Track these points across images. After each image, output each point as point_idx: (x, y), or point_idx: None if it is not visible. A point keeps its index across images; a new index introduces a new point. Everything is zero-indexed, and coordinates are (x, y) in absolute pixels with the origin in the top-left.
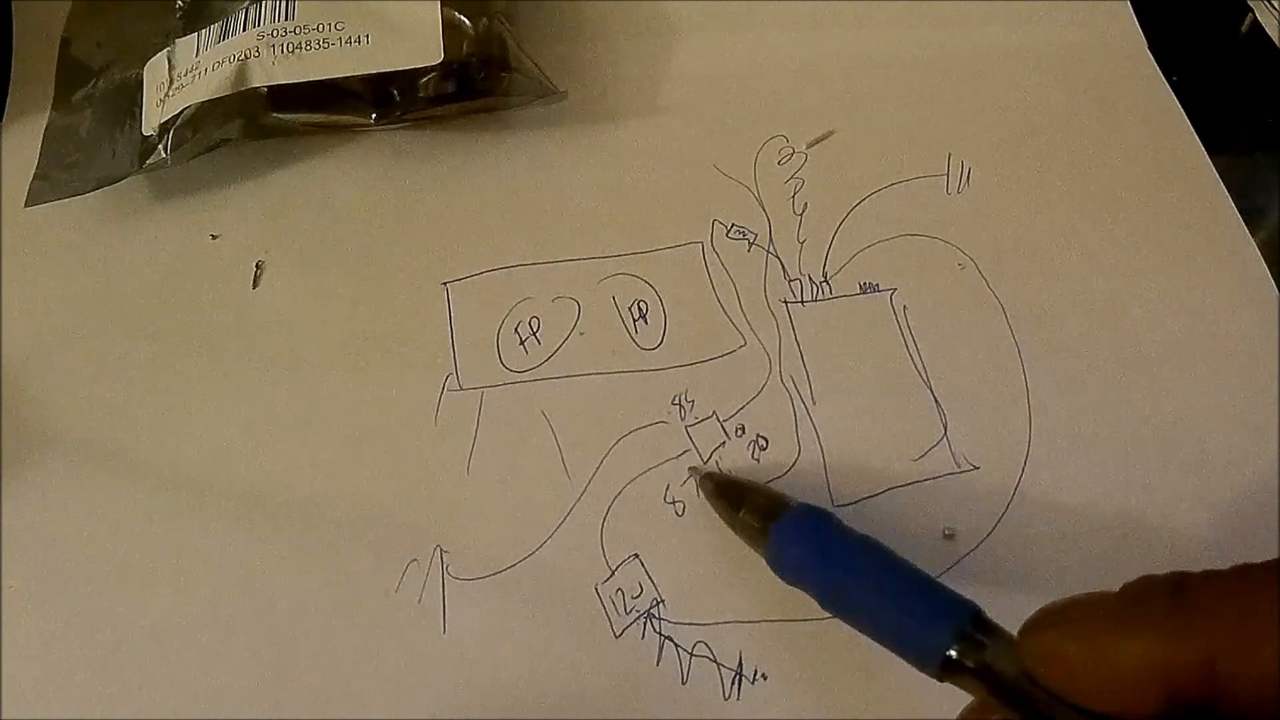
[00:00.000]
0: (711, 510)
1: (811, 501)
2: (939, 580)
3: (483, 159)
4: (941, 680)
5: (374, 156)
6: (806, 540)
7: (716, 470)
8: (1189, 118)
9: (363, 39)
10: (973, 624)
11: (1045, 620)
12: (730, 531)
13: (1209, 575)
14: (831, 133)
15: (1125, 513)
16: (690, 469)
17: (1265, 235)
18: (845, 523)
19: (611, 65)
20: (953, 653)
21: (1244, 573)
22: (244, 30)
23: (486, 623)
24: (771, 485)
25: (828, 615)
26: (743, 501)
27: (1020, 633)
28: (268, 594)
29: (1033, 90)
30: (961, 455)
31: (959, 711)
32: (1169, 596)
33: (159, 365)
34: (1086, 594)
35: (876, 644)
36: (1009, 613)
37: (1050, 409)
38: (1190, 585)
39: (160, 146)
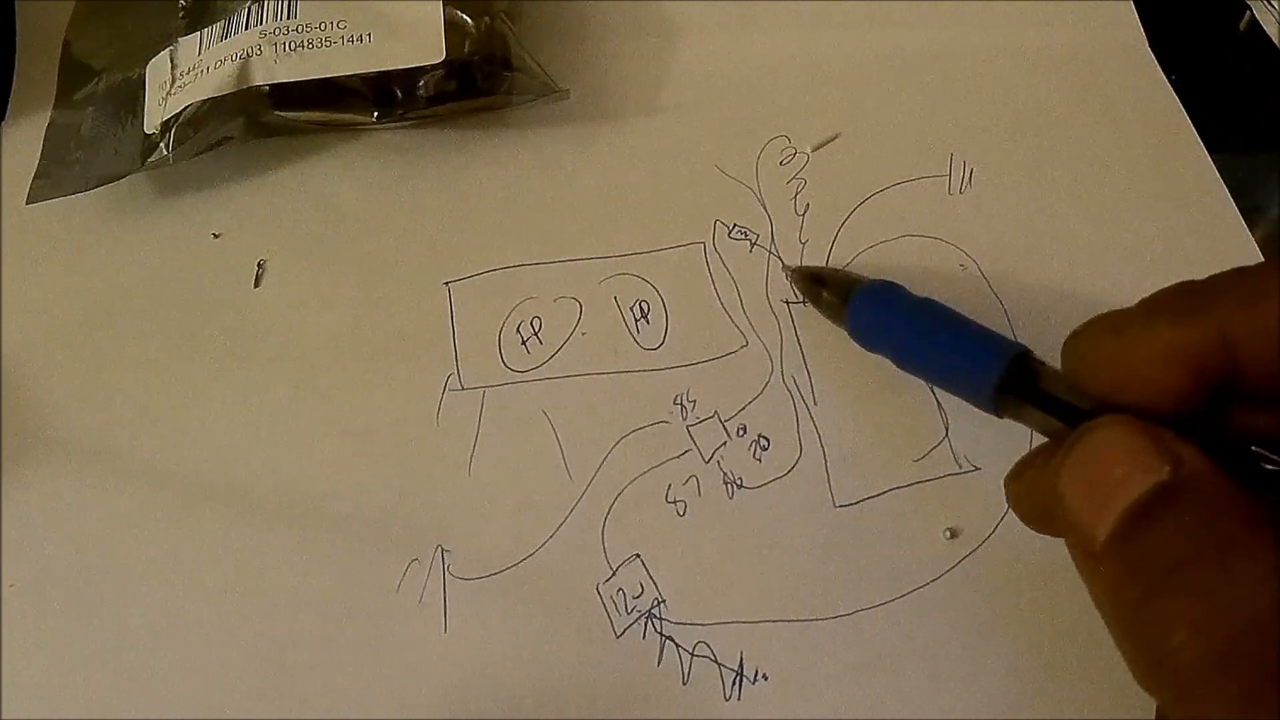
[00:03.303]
0: (711, 509)
1: (812, 501)
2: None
3: (484, 158)
4: (1000, 415)
5: (376, 155)
6: (877, 309)
7: (802, 265)
8: (1188, 116)
9: (364, 38)
10: (1021, 359)
11: (1080, 329)
12: (731, 530)
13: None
14: (836, 136)
15: None
16: (784, 268)
17: (1264, 233)
18: (910, 291)
19: (613, 65)
20: (1004, 383)
21: (1246, 267)
22: (246, 29)
23: (487, 623)
24: (776, 482)
25: (827, 616)
26: (824, 284)
27: (1063, 346)
28: (268, 594)
29: (1034, 90)
30: (963, 456)
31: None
32: (1181, 290)
33: (159, 365)
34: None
35: (876, 638)
36: (1011, 614)
37: None
38: (1201, 281)
39: (162, 144)
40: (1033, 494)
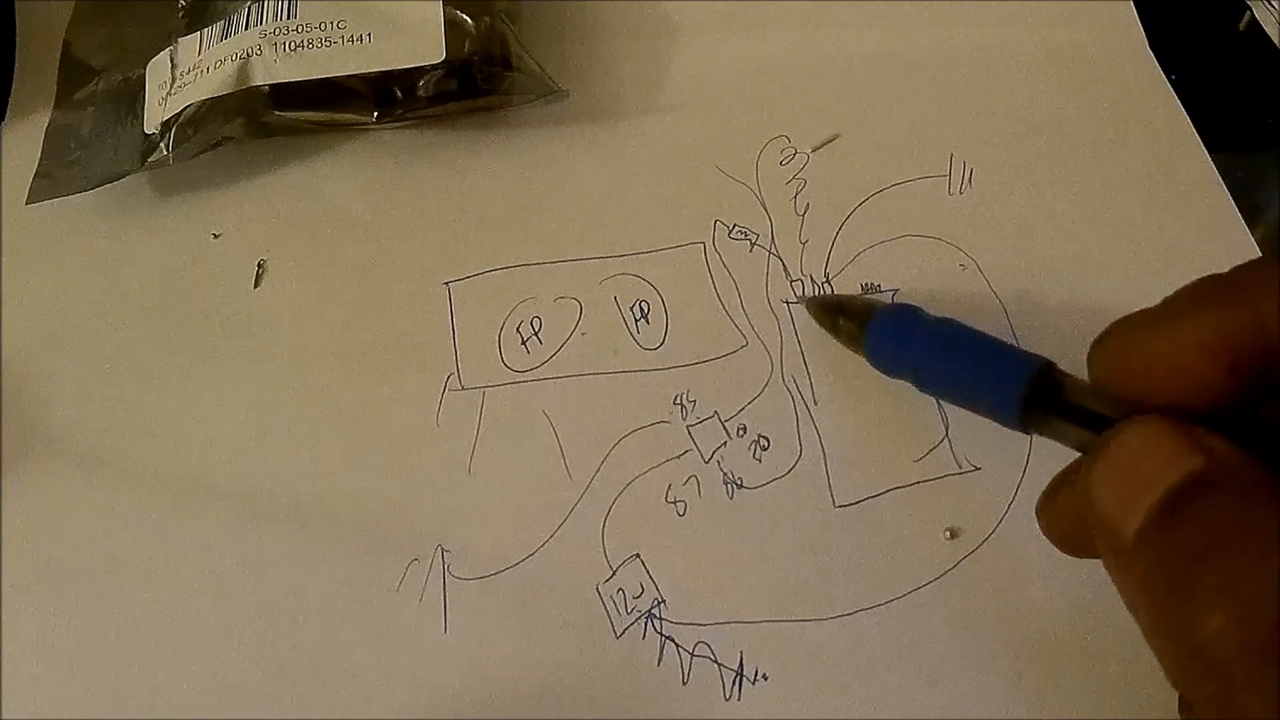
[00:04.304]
0: (711, 509)
1: (812, 501)
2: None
3: (484, 158)
4: (1027, 432)
5: (376, 155)
6: (896, 334)
7: (816, 294)
8: (1188, 116)
9: (364, 38)
10: (1045, 373)
11: (1108, 330)
12: (731, 530)
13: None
14: (836, 136)
15: None
16: (800, 298)
17: (1264, 232)
18: (928, 312)
19: (613, 65)
20: (1030, 398)
21: (1274, 255)
22: (246, 29)
23: (487, 622)
24: (776, 482)
25: (827, 615)
26: (840, 312)
27: (1090, 350)
28: (268, 593)
29: (1034, 90)
30: (963, 456)
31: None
32: (1211, 281)
33: (160, 364)
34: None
35: (876, 638)
36: (1012, 614)
37: None
38: (1229, 271)
39: (162, 144)
40: (1066, 513)
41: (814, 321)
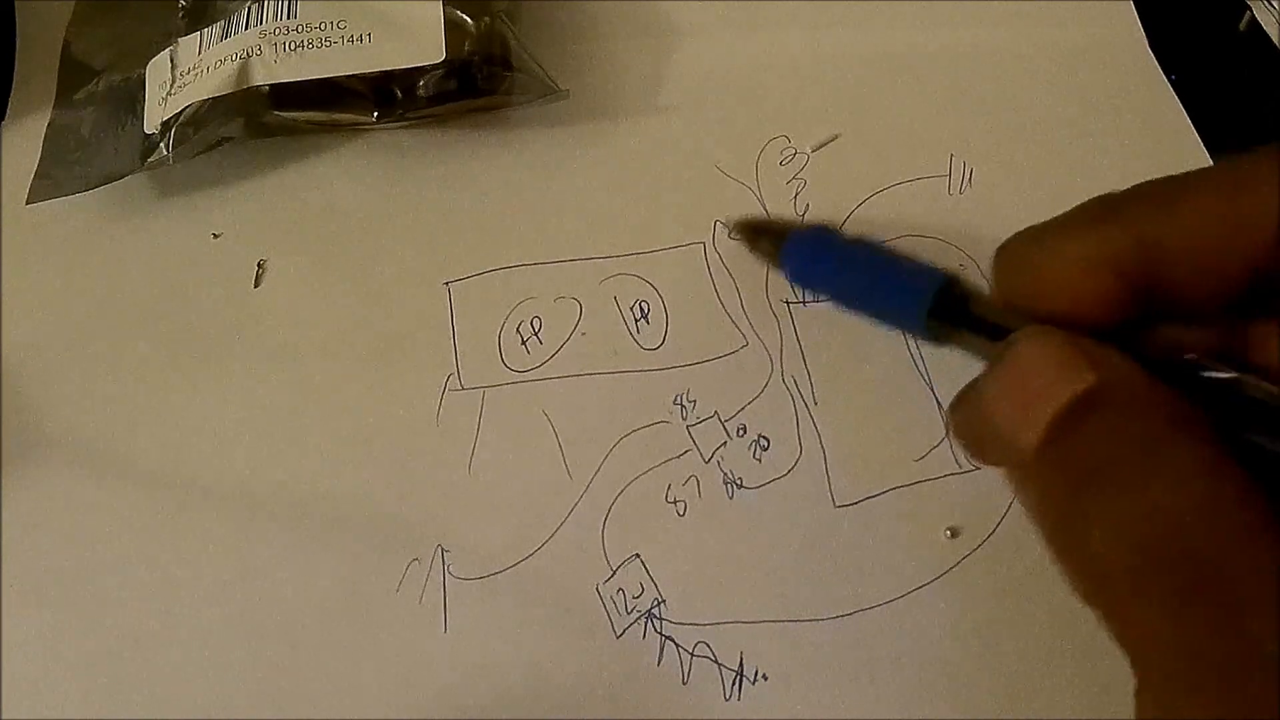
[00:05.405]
0: (711, 509)
1: (812, 501)
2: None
3: (484, 158)
4: (938, 343)
5: (376, 155)
6: (810, 251)
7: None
8: (1188, 116)
9: (364, 38)
10: (951, 285)
11: (1006, 241)
12: (731, 530)
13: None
14: (836, 136)
15: None
16: (726, 221)
17: None
18: (843, 231)
19: (613, 65)
20: (935, 309)
21: (1168, 176)
22: (246, 29)
23: (487, 622)
24: (776, 482)
25: (827, 616)
26: (761, 233)
27: (992, 262)
28: (268, 594)
29: (1034, 90)
30: (963, 455)
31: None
32: (1102, 198)
33: (160, 364)
34: None
35: (876, 638)
36: (1011, 614)
37: None
38: (1125, 189)
39: (162, 144)
40: (970, 421)
41: (742, 242)
